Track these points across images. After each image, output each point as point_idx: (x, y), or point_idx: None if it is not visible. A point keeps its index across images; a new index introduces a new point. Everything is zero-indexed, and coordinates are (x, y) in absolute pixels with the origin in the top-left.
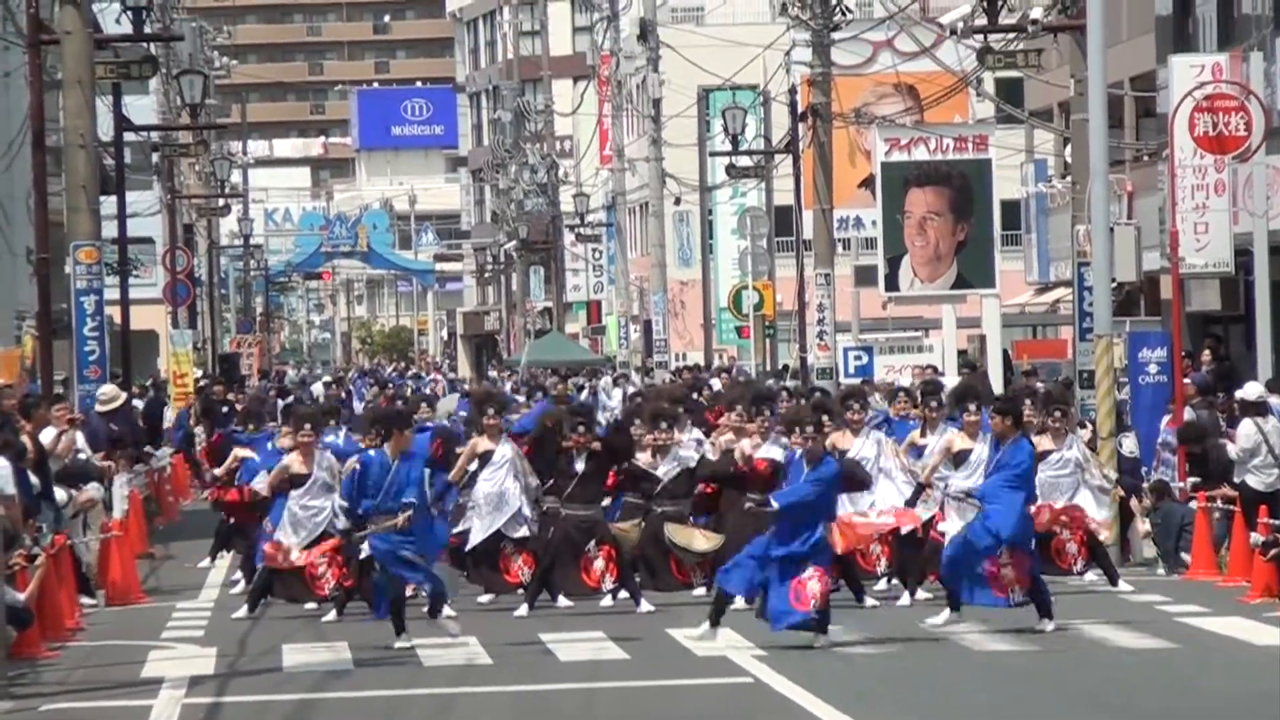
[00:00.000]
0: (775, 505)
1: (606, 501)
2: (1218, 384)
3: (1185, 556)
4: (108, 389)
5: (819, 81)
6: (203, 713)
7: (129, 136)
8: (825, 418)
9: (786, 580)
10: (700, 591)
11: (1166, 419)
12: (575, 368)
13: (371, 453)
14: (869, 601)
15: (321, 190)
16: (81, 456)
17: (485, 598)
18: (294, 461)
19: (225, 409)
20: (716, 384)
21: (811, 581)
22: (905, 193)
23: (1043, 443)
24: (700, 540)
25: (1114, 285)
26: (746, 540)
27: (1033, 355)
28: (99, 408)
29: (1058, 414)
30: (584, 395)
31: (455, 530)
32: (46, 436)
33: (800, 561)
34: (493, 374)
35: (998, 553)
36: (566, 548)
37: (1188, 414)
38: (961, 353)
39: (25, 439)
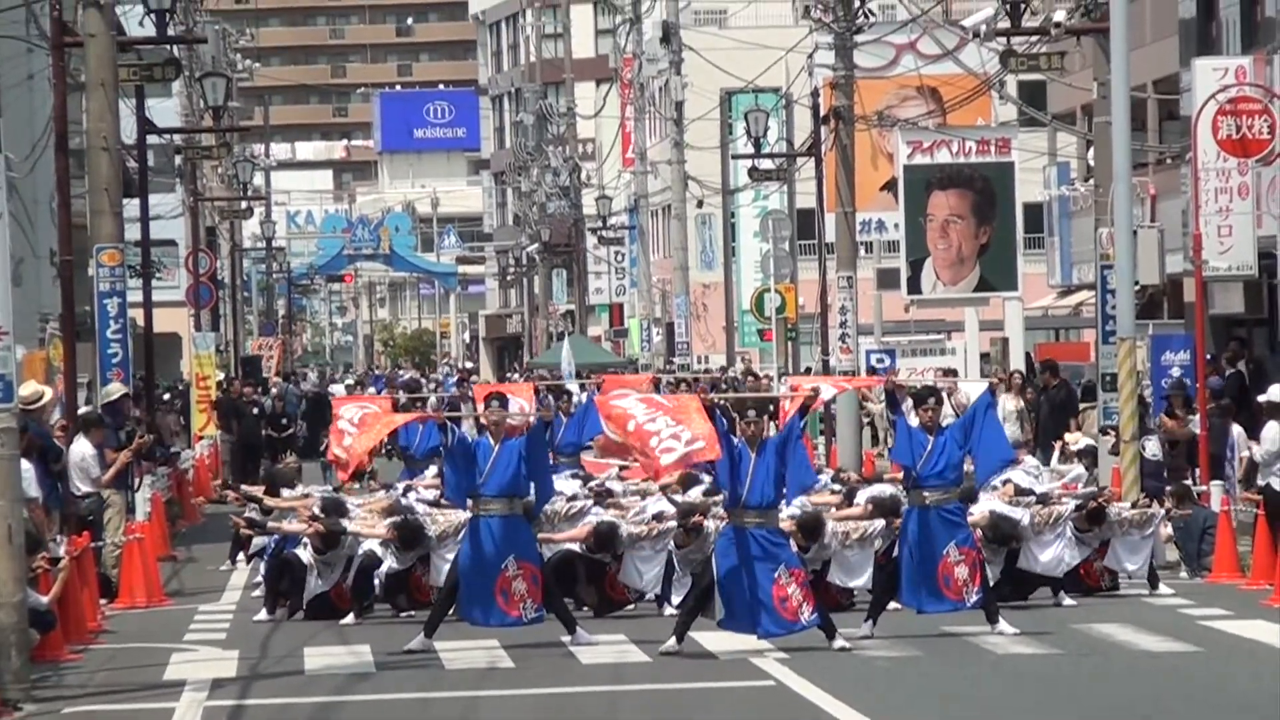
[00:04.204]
0: None
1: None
2: (1236, 391)
3: (1208, 560)
4: (111, 386)
5: (841, 84)
6: (225, 715)
7: (152, 139)
8: None
9: (769, 590)
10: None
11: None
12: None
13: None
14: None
15: (344, 193)
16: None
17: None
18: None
19: (255, 410)
20: None
21: (791, 587)
22: (928, 196)
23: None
24: None
25: (1137, 288)
26: None
27: (1055, 358)
28: (101, 401)
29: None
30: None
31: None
32: None
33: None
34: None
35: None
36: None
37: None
38: (984, 355)
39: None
